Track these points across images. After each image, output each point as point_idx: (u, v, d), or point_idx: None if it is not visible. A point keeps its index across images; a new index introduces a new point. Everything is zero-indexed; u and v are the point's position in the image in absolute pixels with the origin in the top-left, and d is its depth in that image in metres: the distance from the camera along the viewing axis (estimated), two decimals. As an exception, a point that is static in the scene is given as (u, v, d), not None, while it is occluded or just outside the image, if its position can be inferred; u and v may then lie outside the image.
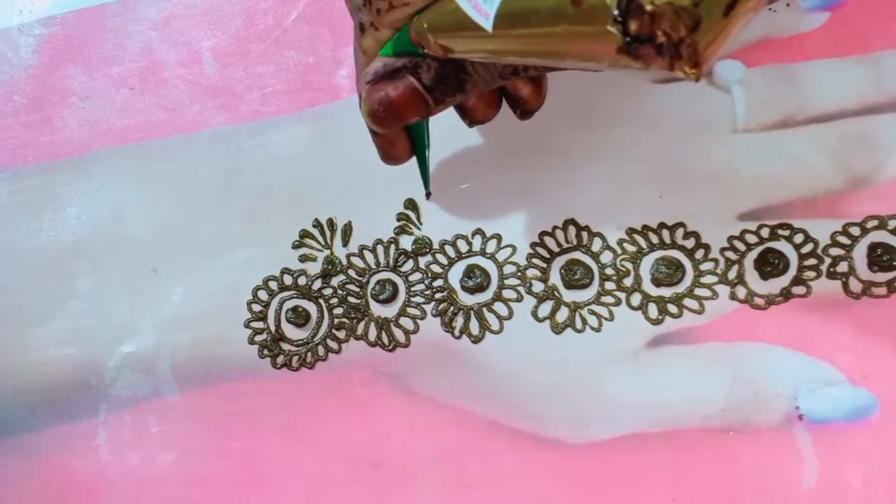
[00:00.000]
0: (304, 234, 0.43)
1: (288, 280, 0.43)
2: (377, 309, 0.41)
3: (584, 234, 0.40)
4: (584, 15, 0.23)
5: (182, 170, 0.46)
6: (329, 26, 0.46)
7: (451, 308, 0.40)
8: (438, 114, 0.32)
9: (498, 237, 0.41)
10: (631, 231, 0.40)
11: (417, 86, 0.30)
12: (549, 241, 0.40)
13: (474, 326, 0.40)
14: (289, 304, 0.42)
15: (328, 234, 0.43)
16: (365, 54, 0.31)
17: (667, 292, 0.39)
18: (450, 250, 0.41)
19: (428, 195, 0.39)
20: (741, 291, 0.38)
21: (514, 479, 0.38)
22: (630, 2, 0.21)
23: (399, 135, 0.35)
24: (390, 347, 0.41)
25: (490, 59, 0.29)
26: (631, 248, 0.39)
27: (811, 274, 0.38)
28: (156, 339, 0.43)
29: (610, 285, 0.39)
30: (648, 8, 0.21)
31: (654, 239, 0.39)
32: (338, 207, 0.43)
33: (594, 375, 0.38)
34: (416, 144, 0.36)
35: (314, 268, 0.43)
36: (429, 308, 0.41)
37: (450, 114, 0.35)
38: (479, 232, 0.41)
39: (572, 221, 0.40)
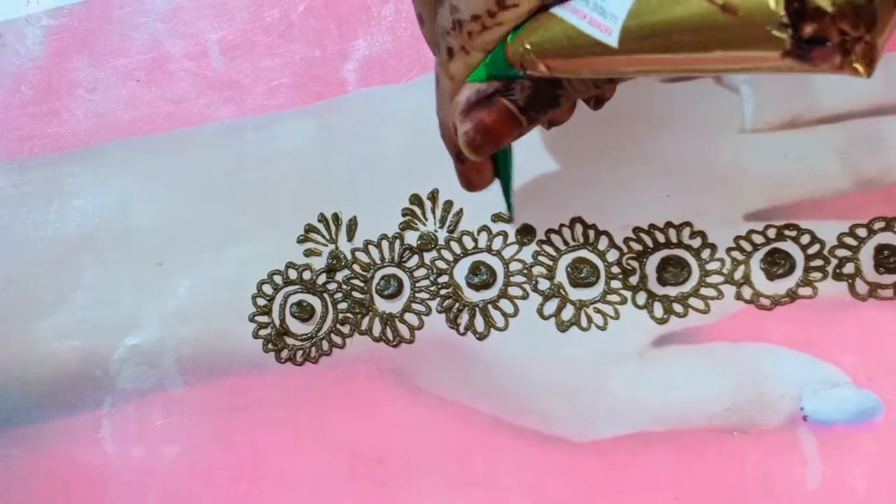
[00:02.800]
0: (310, 228, 0.43)
1: (293, 274, 0.43)
2: (382, 304, 0.41)
3: (591, 233, 0.40)
4: (741, 22, 0.21)
5: (188, 163, 0.46)
6: (335, 20, 0.46)
7: (457, 304, 0.40)
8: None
9: (504, 234, 0.41)
10: (637, 230, 0.39)
11: (513, 108, 0.29)
12: (555, 238, 0.40)
13: (479, 323, 0.40)
14: (293, 299, 0.42)
15: (333, 228, 0.43)
16: (452, 80, 0.29)
17: (672, 291, 0.39)
18: (455, 246, 0.41)
19: (511, 218, 0.39)
20: (747, 292, 0.38)
21: (517, 477, 0.38)
22: (802, 4, 0.20)
23: (485, 161, 0.34)
24: (395, 343, 0.41)
25: (606, 76, 0.28)
26: (637, 247, 0.39)
27: (817, 275, 0.37)
28: (160, 332, 0.43)
29: (616, 284, 0.39)
30: (830, 9, 0.20)
31: (661, 238, 0.39)
32: (343, 202, 0.43)
33: (599, 374, 0.38)
34: (500, 167, 0.35)
35: (319, 262, 0.43)
36: (434, 304, 0.41)
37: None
38: (484, 229, 0.41)
39: (579, 220, 0.40)
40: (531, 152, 0.41)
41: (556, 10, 0.26)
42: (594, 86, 0.29)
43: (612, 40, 0.24)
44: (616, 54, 0.24)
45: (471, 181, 0.34)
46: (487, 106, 0.29)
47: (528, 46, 0.27)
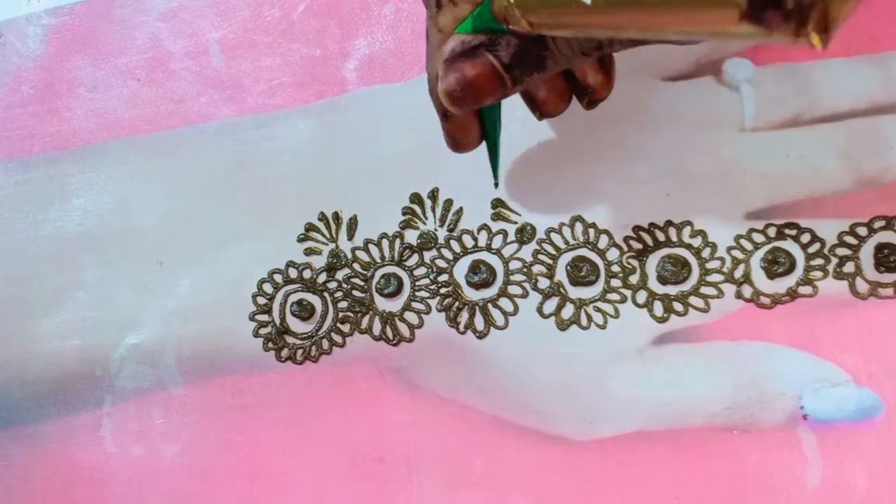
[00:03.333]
0: (310, 227, 0.43)
1: (293, 273, 0.43)
2: (382, 303, 0.41)
3: (591, 231, 0.40)
4: None
5: (188, 162, 0.46)
6: (336, 19, 0.46)
7: (456, 303, 0.40)
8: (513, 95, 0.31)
9: (504, 233, 0.41)
10: (637, 228, 0.39)
11: (496, 64, 0.29)
12: (555, 237, 0.40)
13: (479, 322, 0.40)
14: (294, 298, 0.42)
15: (333, 227, 0.43)
16: (441, 32, 0.30)
17: (672, 290, 0.39)
18: (455, 245, 0.41)
19: (496, 185, 0.38)
20: (747, 290, 0.38)
21: (517, 475, 0.38)
22: None
23: (471, 120, 0.34)
24: (395, 342, 0.41)
25: (583, 35, 0.28)
26: (637, 246, 0.39)
27: (818, 274, 0.37)
28: (161, 330, 0.43)
29: (616, 282, 0.39)
30: None
31: (661, 237, 0.39)
32: (343, 201, 0.43)
33: (599, 372, 0.38)
34: (487, 131, 0.35)
35: (319, 261, 0.43)
36: (433, 303, 0.41)
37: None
38: (484, 227, 0.41)
39: (579, 218, 0.40)
40: (532, 151, 0.41)
41: None
42: (581, 52, 0.29)
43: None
44: (589, 11, 0.25)
45: (456, 140, 0.34)
46: (471, 58, 0.29)
47: (511, 0, 0.27)
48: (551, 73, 0.30)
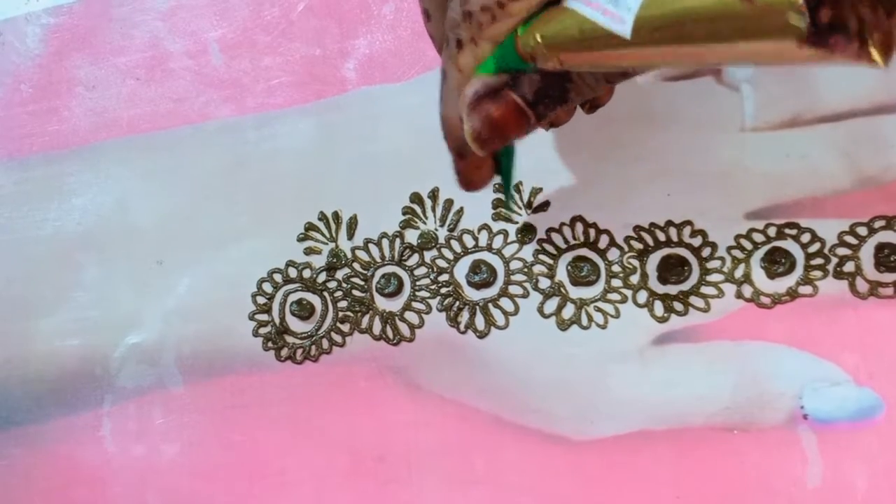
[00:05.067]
0: (310, 226, 0.43)
1: (293, 273, 0.43)
2: (382, 303, 0.41)
3: (592, 231, 0.40)
4: (758, 11, 0.21)
5: (188, 161, 0.46)
6: (336, 18, 0.45)
7: (457, 303, 0.40)
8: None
9: (504, 232, 0.41)
10: (638, 228, 0.39)
11: (520, 102, 0.28)
12: (556, 237, 0.40)
13: (480, 322, 0.40)
14: (293, 297, 0.42)
15: (333, 227, 0.43)
16: (461, 72, 0.29)
17: (673, 290, 0.39)
18: (455, 245, 0.41)
19: (514, 213, 0.39)
20: (747, 290, 0.38)
21: (517, 475, 0.38)
22: None
23: (486, 158, 0.33)
24: (395, 341, 0.41)
25: (618, 69, 0.27)
26: (638, 246, 0.39)
27: (818, 273, 0.37)
28: (161, 330, 0.43)
29: (616, 282, 0.39)
30: None
31: (661, 236, 0.39)
32: (343, 200, 0.43)
33: (599, 372, 0.38)
34: (503, 166, 0.34)
35: (319, 261, 0.43)
36: (434, 302, 0.41)
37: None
38: (485, 227, 0.41)
39: (580, 218, 0.40)
40: (532, 152, 0.41)
41: (570, 2, 0.25)
42: (605, 80, 0.29)
43: (625, 31, 0.24)
44: (629, 46, 0.24)
45: (470, 180, 0.34)
46: (495, 99, 0.28)
47: (539, 39, 0.26)
48: (574, 104, 0.30)
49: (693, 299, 0.38)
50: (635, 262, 0.39)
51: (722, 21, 0.22)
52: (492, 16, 0.27)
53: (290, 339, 0.42)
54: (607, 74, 0.28)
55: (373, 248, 0.42)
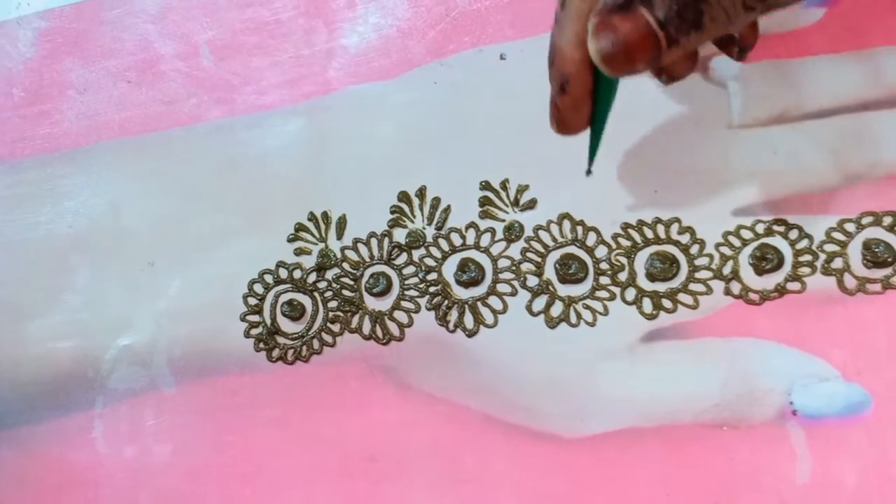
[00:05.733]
0: (300, 227, 0.43)
1: (283, 273, 0.43)
2: (371, 302, 0.41)
3: (579, 229, 0.40)
4: None
5: (179, 163, 0.46)
6: (323, 18, 0.46)
7: (446, 302, 0.41)
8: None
9: (492, 231, 0.41)
10: (626, 226, 0.40)
11: (652, 22, 0.26)
12: (543, 235, 0.40)
13: (469, 320, 0.40)
14: (284, 298, 0.42)
15: (323, 227, 0.43)
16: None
17: (661, 287, 0.39)
18: (443, 244, 0.41)
19: (589, 172, 0.35)
20: (736, 287, 0.38)
21: (507, 473, 0.38)
22: None
23: (587, 99, 0.31)
24: (384, 341, 0.41)
25: None
26: (626, 243, 0.39)
27: (806, 270, 0.37)
28: (152, 332, 0.43)
29: (604, 280, 0.39)
30: None
31: (649, 234, 0.39)
32: (332, 200, 0.43)
33: (588, 370, 0.38)
34: (597, 114, 0.32)
35: (309, 261, 0.43)
36: (423, 301, 0.41)
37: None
38: (472, 225, 0.41)
39: (567, 216, 0.40)
40: (520, 148, 0.41)
41: None
42: (743, 7, 0.27)
43: None
44: None
45: (566, 120, 0.32)
46: (625, 14, 0.27)
47: None
48: (708, 36, 0.28)
49: (681, 296, 0.38)
50: (623, 260, 0.39)
51: None
52: None
53: (281, 340, 0.42)
54: (745, 0, 0.27)
55: (362, 248, 0.42)
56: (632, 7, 0.27)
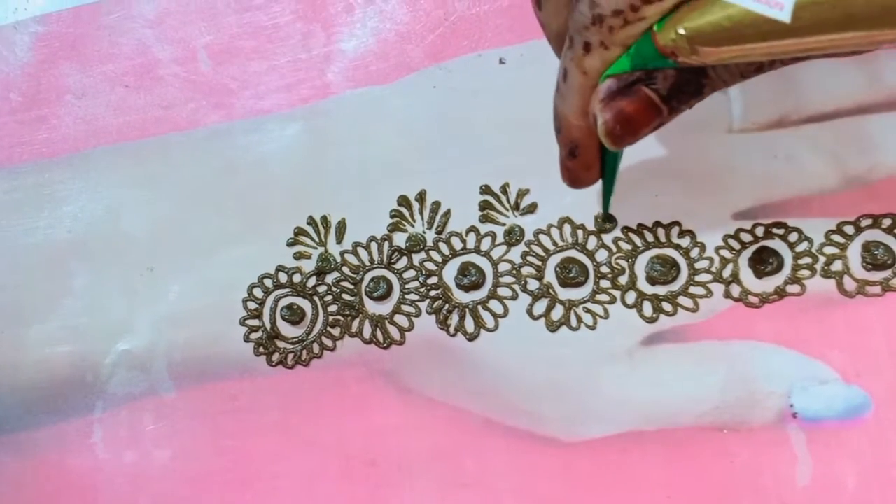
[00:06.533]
0: (299, 231, 0.43)
1: (283, 278, 0.43)
2: (371, 306, 0.41)
3: (580, 233, 0.40)
4: None
5: (177, 168, 0.46)
6: (321, 23, 0.46)
7: (446, 306, 0.41)
8: None
9: (492, 235, 0.41)
10: (626, 229, 0.40)
11: (654, 97, 0.28)
12: (544, 239, 0.40)
13: (469, 324, 0.40)
14: (284, 302, 0.42)
15: (322, 231, 0.43)
16: (585, 75, 0.29)
17: (661, 290, 0.39)
18: (444, 247, 0.41)
19: (606, 218, 0.39)
20: (736, 290, 0.38)
21: (508, 477, 0.38)
22: None
23: (596, 159, 0.33)
24: (385, 345, 0.41)
25: (767, 59, 0.26)
26: (626, 247, 0.39)
27: (806, 272, 0.38)
28: (152, 336, 0.43)
29: (605, 283, 0.39)
30: None
31: (650, 237, 0.39)
32: (331, 204, 0.43)
33: (589, 373, 0.38)
34: (607, 163, 0.33)
35: (309, 265, 0.43)
36: (423, 305, 0.41)
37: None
38: (473, 229, 0.41)
39: (568, 220, 0.40)
40: (520, 154, 0.42)
41: None
42: (740, 75, 0.28)
43: (785, 16, 0.22)
44: (785, 35, 0.22)
45: (578, 178, 0.33)
46: (628, 95, 0.28)
47: (682, 32, 0.25)
48: (707, 96, 0.29)
49: (682, 299, 0.38)
50: (624, 263, 0.39)
51: None
52: (624, 20, 0.26)
53: (281, 345, 0.42)
54: (742, 69, 0.28)
55: (361, 252, 0.42)
56: (634, 88, 0.28)
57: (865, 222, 0.38)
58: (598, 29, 0.27)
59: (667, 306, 0.38)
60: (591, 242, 0.40)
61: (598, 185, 0.35)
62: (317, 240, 0.43)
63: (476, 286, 0.40)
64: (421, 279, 0.41)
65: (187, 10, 0.48)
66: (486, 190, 0.41)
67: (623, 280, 0.39)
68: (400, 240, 0.42)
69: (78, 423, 0.43)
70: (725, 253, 0.38)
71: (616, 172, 0.34)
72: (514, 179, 0.41)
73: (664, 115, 0.28)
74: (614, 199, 0.39)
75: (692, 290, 0.38)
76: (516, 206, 0.41)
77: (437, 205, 0.42)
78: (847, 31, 0.22)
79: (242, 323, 0.43)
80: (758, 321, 0.37)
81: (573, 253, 0.40)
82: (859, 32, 0.22)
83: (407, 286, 0.41)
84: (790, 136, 0.39)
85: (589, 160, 0.32)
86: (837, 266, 0.37)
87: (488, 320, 0.40)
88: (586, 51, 0.28)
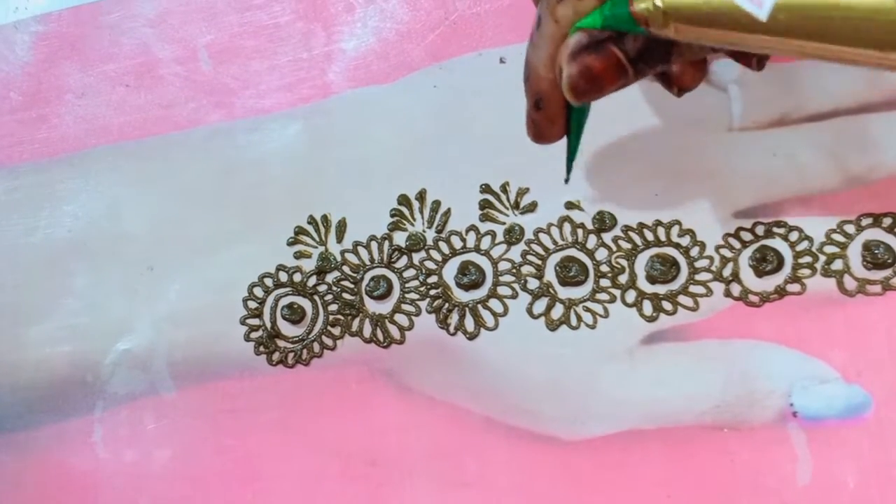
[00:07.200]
0: (299, 230, 0.43)
1: (283, 277, 0.43)
2: (372, 305, 0.41)
3: (580, 231, 0.40)
4: None
5: (178, 167, 0.46)
6: (322, 22, 0.46)
7: (446, 305, 0.41)
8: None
9: (492, 234, 0.41)
10: (626, 228, 0.40)
11: (622, 57, 0.28)
12: (544, 237, 0.40)
13: (469, 323, 0.40)
14: (284, 301, 0.42)
15: (322, 230, 0.43)
16: (557, 23, 0.29)
17: (662, 289, 0.39)
18: (444, 246, 0.41)
19: (567, 180, 0.36)
20: (736, 289, 0.38)
21: (509, 476, 0.38)
22: None
23: (561, 112, 0.32)
24: (385, 344, 0.41)
25: (748, 50, 0.26)
26: (626, 246, 0.39)
27: (806, 271, 0.38)
28: (152, 336, 0.43)
29: (605, 282, 0.39)
30: None
31: (650, 236, 0.39)
32: (332, 203, 0.43)
33: (589, 372, 0.38)
34: (572, 125, 0.33)
35: (309, 264, 0.43)
36: (423, 304, 0.41)
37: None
38: (472, 228, 0.41)
39: (567, 219, 0.40)
40: (519, 153, 0.41)
41: None
42: (712, 49, 0.28)
43: (762, 14, 0.22)
44: (760, 31, 0.23)
45: (542, 132, 0.33)
46: (597, 51, 0.28)
47: (659, 4, 0.25)
48: (673, 64, 0.30)
49: (682, 298, 0.38)
50: (624, 262, 0.39)
51: (878, 26, 0.20)
52: None
53: (281, 344, 0.42)
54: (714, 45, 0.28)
55: (362, 251, 0.42)
56: (604, 45, 0.28)
57: (866, 221, 0.38)
58: None
59: (667, 305, 0.38)
60: (591, 241, 0.40)
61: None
62: (317, 239, 0.43)
63: (476, 285, 0.40)
64: (421, 278, 0.41)
65: (188, 10, 0.48)
66: (486, 189, 0.41)
67: (623, 279, 0.39)
68: (400, 239, 0.42)
69: (78, 422, 0.43)
70: (726, 252, 0.38)
71: (581, 131, 0.33)
72: (514, 178, 0.41)
73: (629, 77, 0.29)
74: (614, 198, 0.39)
75: (692, 288, 0.38)
76: (516, 205, 0.41)
77: (437, 204, 0.42)
78: (820, 41, 0.22)
79: (243, 322, 0.43)
80: (758, 320, 0.37)
81: (573, 252, 0.40)
82: (832, 46, 0.22)
83: (407, 285, 0.41)
84: (791, 134, 0.39)
85: (553, 114, 0.32)
86: (838, 265, 0.37)
87: (488, 319, 0.40)
88: None
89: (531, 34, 0.30)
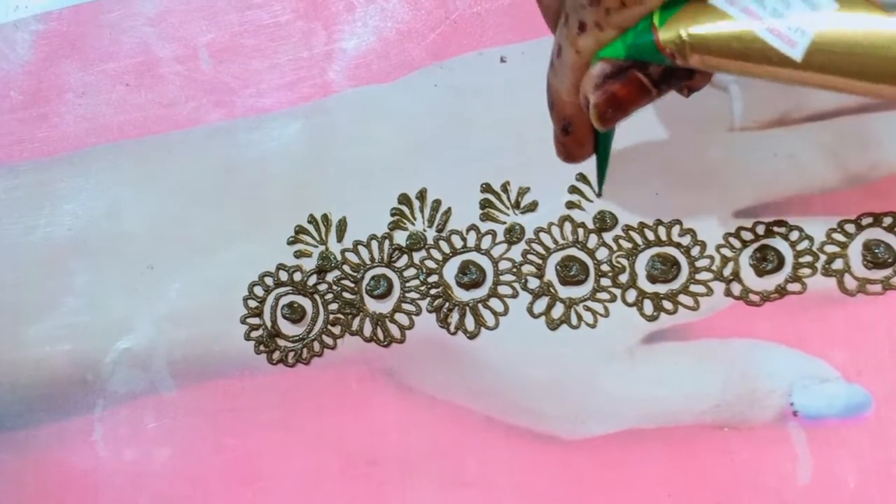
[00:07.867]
0: (300, 229, 0.43)
1: (283, 276, 0.43)
2: (372, 304, 0.41)
3: (581, 231, 0.40)
4: None
5: (178, 166, 0.46)
6: (322, 21, 0.46)
7: (447, 304, 0.41)
8: None
9: (492, 233, 0.41)
10: (627, 228, 0.40)
11: (646, 81, 0.28)
12: (544, 237, 0.40)
13: (470, 322, 0.40)
14: (284, 300, 0.42)
15: (323, 229, 0.43)
16: (578, 54, 0.29)
17: (662, 289, 0.39)
18: (444, 246, 0.41)
19: (599, 194, 0.39)
20: (736, 288, 0.38)
21: (509, 475, 0.38)
22: None
23: (589, 135, 0.33)
24: (386, 343, 0.41)
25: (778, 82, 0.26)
26: (627, 245, 0.39)
27: (806, 271, 0.38)
28: (152, 335, 0.43)
29: (605, 282, 0.39)
30: None
31: (650, 235, 0.39)
32: (332, 203, 0.43)
33: (589, 371, 0.38)
34: (599, 142, 0.34)
35: (309, 263, 0.43)
36: (424, 304, 0.41)
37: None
38: (473, 228, 0.41)
39: (568, 218, 0.40)
40: (520, 152, 0.41)
41: (720, 4, 0.24)
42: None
43: (797, 55, 0.22)
44: (797, 69, 0.22)
45: (572, 154, 0.34)
46: (621, 79, 0.28)
47: (686, 38, 0.25)
48: (699, 79, 0.30)
49: (682, 298, 0.38)
50: (624, 262, 0.39)
51: None
52: (621, 2, 0.27)
53: (281, 343, 0.42)
54: None
55: (362, 250, 0.42)
56: (627, 72, 0.28)
57: (866, 220, 0.38)
58: (595, 10, 0.27)
59: (667, 304, 0.38)
60: (592, 240, 0.40)
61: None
62: (317, 238, 0.43)
63: (476, 284, 0.40)
64: (421, 277, 0.41)
65: (188, 9, 0.48)
66: (486, 188, 0.41)
67: (624, 278, 0.39)
68: (400, 238, 0.42)
69: (78, 421, 0.43)
70: (726, 251, 0.38)
71: (609, 149, 0.34)
72: (515, 178, 0.41)
73: (653, 96, 0.29)
74: (615, 198, 0.39)
75: (693, 288, 0.38)
76: (517, 205, 0.41)
77: (437, 203, 0.42)
78: (856, 79, 0.22)
79: (243, 321, 0.43)
80: (758, 319, 0.37)
81: (574, 251, 0.40)
82: (868, 84, 0.22)
83: (407, 284, 0.41)
84: (791, 134, 0.39)
85: (582, 137, 0.32)
86: (838, 264, 0.37)
87: (489, 318, 0.40)
88: (581, 30, 0.28)
89: (551, 60, 0.30)
